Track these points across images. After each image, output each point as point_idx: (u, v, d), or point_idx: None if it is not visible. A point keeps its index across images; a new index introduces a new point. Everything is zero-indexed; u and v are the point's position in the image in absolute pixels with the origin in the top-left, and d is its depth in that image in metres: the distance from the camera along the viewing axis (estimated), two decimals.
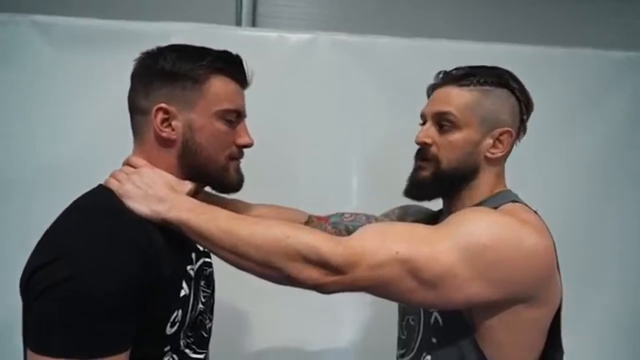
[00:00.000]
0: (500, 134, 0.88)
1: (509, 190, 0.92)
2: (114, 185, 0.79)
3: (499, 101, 0.88)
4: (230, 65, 0.83)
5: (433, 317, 0.88)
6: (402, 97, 1.40)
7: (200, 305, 0.87)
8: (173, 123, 0.80)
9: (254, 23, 2.15)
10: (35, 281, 0.67)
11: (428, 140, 0.90)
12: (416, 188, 0.93)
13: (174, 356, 0.80)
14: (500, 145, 0.89)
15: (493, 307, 0.78)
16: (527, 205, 0.87)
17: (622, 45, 1.75)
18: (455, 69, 0.91)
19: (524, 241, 0.75)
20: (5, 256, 1.42)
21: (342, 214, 1.12)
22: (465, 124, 0.87)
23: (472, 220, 0.78)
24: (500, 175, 0.93)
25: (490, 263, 0.73)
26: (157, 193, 0.77)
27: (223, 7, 2.10)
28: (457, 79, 0.89)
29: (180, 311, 0.79)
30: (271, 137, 1.49)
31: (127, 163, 0.84)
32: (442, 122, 0.89)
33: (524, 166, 1.58)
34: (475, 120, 0.87)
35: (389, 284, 0.74)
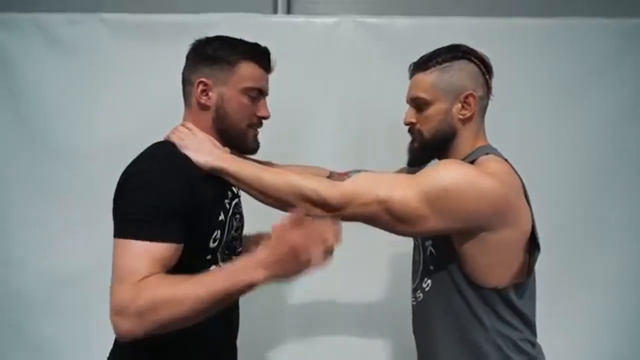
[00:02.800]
0: (465, 97, 1.08)
1: (487, 145, 1.12)
2: (175, 138, 1.05)
3: (457, 72, 1.09)
4: (257, 54, 1.10)
5: (428, 250, 1.11)
6: None
7: (233, 232, 1.13)
8: (210, 93, 1.08)
9: (289, 10, 2.33)
10: (120, 189, 0.97)
11: (412, 120, 1.14)
12: (412, 158, 1.17)
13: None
14: (468, 107, 1.09)
15: (463, 235, 0.99)
16: (498, 156, 1.07)
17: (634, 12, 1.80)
18: (420, 58, 1.13)
19: (477, 184, 0.96)
20: (71, 214, 1.72)
21: (359, 170, 1.32)
22: (433, 99, 1.09)
23: (437, 170, 1.00)
24: (479, 132, 1.13)
25: (448, 202, 0.95)
26: (207, 148, 1.04)
27: None
28: (421, 66, 1.12)
29: (219, 231, 1.06)
30: (299, 112, 1.73)
31: (183, 125, 1.10)
32: (417, 104, 1.12)
33: (536, 134, 1.72)
34: (441, 94, 1.09)
35: (373, 219, 1.00)
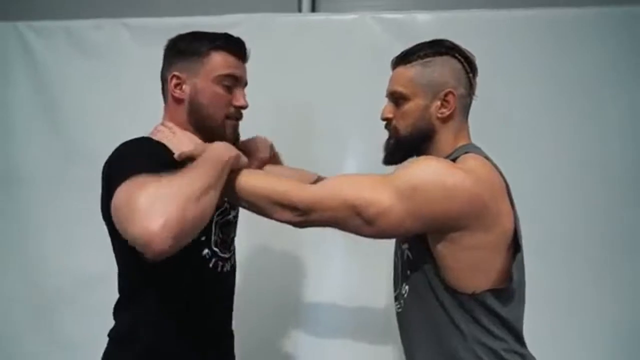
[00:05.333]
0: (445, 95, 1.02)
1: (468, 144, 1.05)
2: (159, 136, 1.06)
3: (439, 68, 1.02)
4: (227, 43, 1.08)
5: (405, 254, 1.06)
6: None
7: (230, 217, 1.15)
8: (183, 87, 1.07)
9: (313, 8, 2.33)
10: (108, 172, 0.97)
11: (389, 116, 1.08)
12: (387, 155, 1.10)
13: (209, 252, 1.08)
14: (447, 104, 1.02)
15: (437, 236, 0.94)
16: (479, 154, 1.00)
17: None
18: (402, 51, 1.07)
19: (448, 182, 0.90)
20: (96, 214, 1.76)
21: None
22: (412, 94, 1.03)
23: (410, 167, 0.95)
24: (460, 131, 1.06)
25: (419, 201, 0.90)
26: (185, 146, 1.02)
27: None
28: (402, 60, 1.06)
29: None
30: (320, 110, 1.74)
31: (162, 125, 1.10)
32: (396, 98, 1.06)
33: (557, 128, 1.66)
34: (420, 89, 1.03)
35: (342, 223, 0.95)
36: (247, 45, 1.11)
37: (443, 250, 0.94)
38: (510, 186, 1.00)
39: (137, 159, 0.93)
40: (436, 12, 1.72)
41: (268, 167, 1.26)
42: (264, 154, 1.23)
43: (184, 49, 1.08)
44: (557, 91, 1.66)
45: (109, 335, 1.09)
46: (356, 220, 0.93)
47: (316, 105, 1.74)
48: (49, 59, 1.84)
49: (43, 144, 1.84)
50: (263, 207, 0.98)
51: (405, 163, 0.97)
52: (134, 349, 1.02)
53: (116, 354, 1.06)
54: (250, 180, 1.00)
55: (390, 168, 1.11)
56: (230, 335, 1.20)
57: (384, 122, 1.10)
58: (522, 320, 1.02)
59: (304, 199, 0.95)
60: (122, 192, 0.82)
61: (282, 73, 1.73)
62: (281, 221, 0.98)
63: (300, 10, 2.24)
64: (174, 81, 1.07)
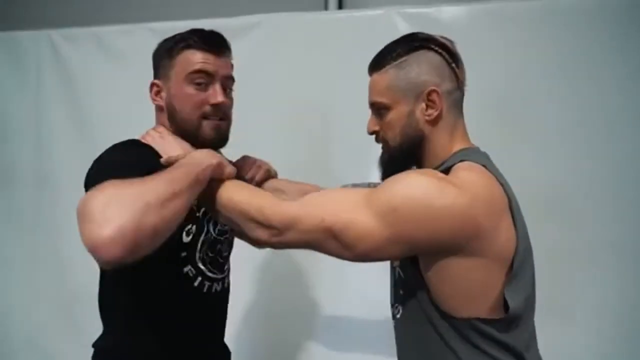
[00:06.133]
0: (428, 94, 0.92)
1: (465, 149, 0.95)
2: (147, 139, 1.03)
3: (415, 66, 0.92)
4: (195, 40, 1.01)
5: (397, 272, 0.98)
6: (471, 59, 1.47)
7: (216, 234, 1.09)
8: (162, 93, 1.05)
9: (340, 5, 2.29)
10: (85, 180, 0.94)
11: (375, 128, 0.99)
12: (382, 171, 1.01)
13: (192, 270, 1.03)
14: (433, 105, 0.92)
15: (426, 258, 0.86)
16: (476, 162, 0.89)
17: None
18: (375, 56, 0.98)
19: (436, 202, 0.80)
20: None
21: (346, 186, 1.22)
22: (393, 102, 0.94)
23: (392, 185, 0.85)
24: (455, 131, 0.96)
25: (399, 226, 0.81)
26: (174, 152, 0.99)
27: None
28: (375, 66, 0.97)
29: (193, 225, 1.02)
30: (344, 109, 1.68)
31: (154, 129, 1.07)
32: (377, 109, 0.97)
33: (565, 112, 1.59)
34: (400, 95, 0.93)
35: (318, 245, 0.87)
36: (226, 37, 1.06)
37: (433, 274, 0.86)
38: (514, 184, 0.91)
39: (115, 166, 0.88)
40: (463, 5, 1.66)
41: (270, 182, 1.21)
42: (252, 174, 1.16)
43: (158, 56, 1.06)
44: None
45: (93, 345, 1.08)
46: (333, 244, 0.85)
47: (341, 106, 1.70)
48: (82, 66, 1.89)
49: (75, 149, 1.89)
50: (239, 223, 0.91)
51: (391, 177, 0.87)
52: None
53: None
54: (228, 193, 0.94)
55: None
56: (223, 356, 1.17)
57: (373, 136, 1.01)
58: (530, 337, 0.91)
59: (277, 216, 0.87)
60: (84, 196, 0.77)
61: (303, 74, 1.70)
62: (258, 242, 0.91)
63: (326, 8, 2.22)
64: (154, 89, 1.06)
